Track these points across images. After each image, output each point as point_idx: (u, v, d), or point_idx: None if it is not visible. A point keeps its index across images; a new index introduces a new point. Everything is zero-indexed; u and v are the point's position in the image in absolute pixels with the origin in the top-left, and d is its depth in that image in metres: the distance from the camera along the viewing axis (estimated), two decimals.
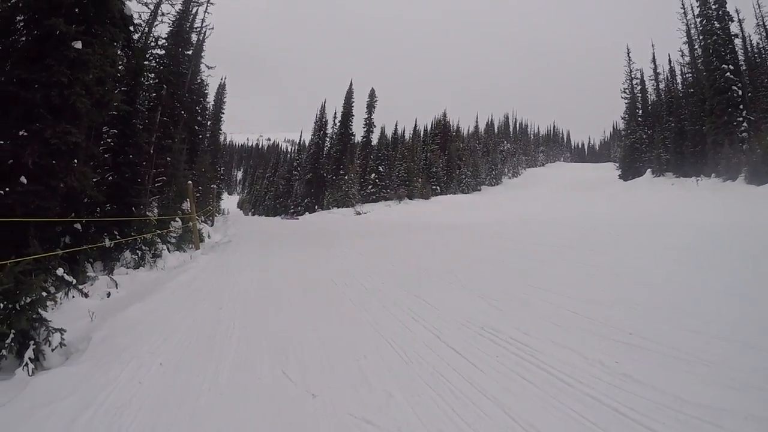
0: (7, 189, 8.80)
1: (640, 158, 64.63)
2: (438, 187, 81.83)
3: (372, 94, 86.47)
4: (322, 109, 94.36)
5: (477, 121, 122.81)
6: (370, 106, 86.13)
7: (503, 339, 6.25)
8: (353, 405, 4.71)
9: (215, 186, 45.50)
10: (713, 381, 4.65)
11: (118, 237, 13.12)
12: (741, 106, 45.04)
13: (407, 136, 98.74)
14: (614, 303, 7.62)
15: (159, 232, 15.86)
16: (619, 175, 69.05)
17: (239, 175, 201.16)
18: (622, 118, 75.65)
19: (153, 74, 22.78)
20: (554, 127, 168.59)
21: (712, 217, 21.09)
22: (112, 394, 4.91)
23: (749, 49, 52.12)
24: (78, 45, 9.72)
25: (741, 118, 44.34)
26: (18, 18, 9.95)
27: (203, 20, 32.27)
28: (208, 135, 46.01)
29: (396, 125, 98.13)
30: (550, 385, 4.83)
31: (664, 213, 25.99)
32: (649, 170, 59.07)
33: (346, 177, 76.93)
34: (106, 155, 14.78)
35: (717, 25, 49.38)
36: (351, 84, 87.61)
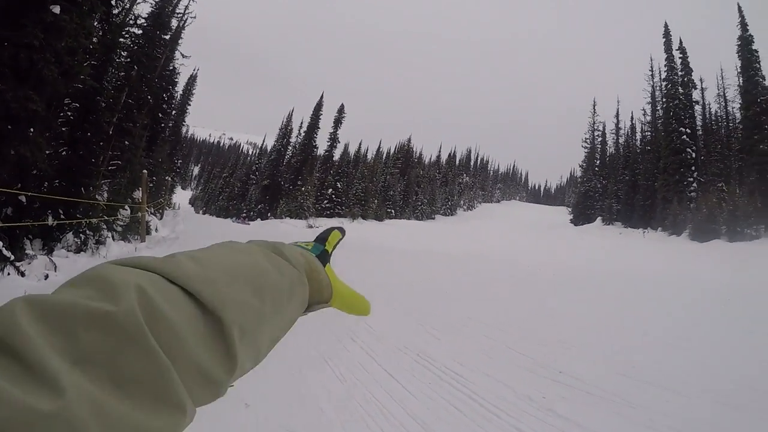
0: None
1: (592, 206, 67.08)
2: (393, 211, 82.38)
3: (341, 110, 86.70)
4: (289, 116, 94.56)
5: (440, 151, 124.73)
6: (338, 121, 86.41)
7: (438, 367, 6.44)
8: (285, 417, 4.74)
9: (170, 178, 44.62)
10: (634, 422, 5.02)
11: (62, 217, 12.51)
12: (693, 168, 48.66)
13: (370, 156, 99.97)
14: (549, 342, 8.00)
15: (106, 218, 15.30)
16: (570, 220, 70.96)
17: (196, 170, 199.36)
18: (580, 166, 79.08)
19: (126, 53, 22.19)
20: (514, 166, 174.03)
21: (656, 267, 22.82)
22: None
23: (708, 116, 55.54)
24: (56, 10, 9.24)
25: (692, 179, 47.79)
26: None
27: (186, 7, 31.95)
28: (170, 124, 45.10)
29: (360, 144, 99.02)
30: (478, 414, 5.01)
31: (610, 260, 27.23)
32: (599, 218, 61.73)
33: (303, 188, 76.73)
34: (63, 128, 14.14)
35: (681, 90, 53.07)
36: (322, 96, 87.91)
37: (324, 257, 0.92)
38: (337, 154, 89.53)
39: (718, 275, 19.76)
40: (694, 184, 47.65)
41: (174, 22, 30.52)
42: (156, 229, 23.48)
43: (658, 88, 60.22)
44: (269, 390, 5.07)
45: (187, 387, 0.47)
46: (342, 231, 1.05)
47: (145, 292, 0.46)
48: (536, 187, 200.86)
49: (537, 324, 9.48)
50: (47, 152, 12.04)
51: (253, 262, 0.66)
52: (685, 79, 53.91)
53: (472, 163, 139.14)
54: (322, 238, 0.97)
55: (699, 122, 53.95)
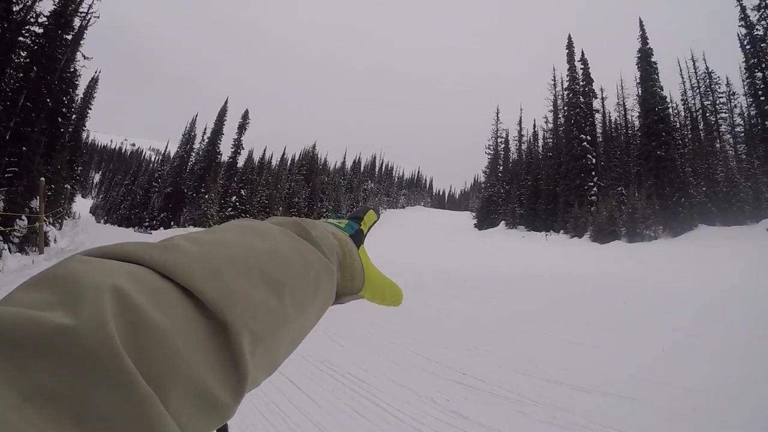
0: None
1: (496, 210, 68.75)
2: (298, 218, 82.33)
3: (245, 116, 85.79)
4: (193, 122, 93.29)
5: (345, 157, 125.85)
6: (242, 127, 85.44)
7: (342, 374, 6.46)
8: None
9: (69, 186, 42.79)
10: (538, 419, 5.09)
11: None
12: (593, 173, 51.12)
13: (274, 162, 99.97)
14: (453, 345, 8.16)
15: (2, 228, 14.32)
16: (474, 224, 72.44)
17: (97, 177, 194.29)
18: (484, 172, 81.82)
19: (25, 53, 20.98)
20: (419, 172, 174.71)
21: (559, 268, 24.09)
22: None
23: (607, 123, 59.66)
24: None
25: (592, 183, 50.28)
26: None
27: (90, 6, 31.17)
28: (70, 129, 43.07)
29: (264, 150, 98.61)
30: (382, 419, 5.00)
31: (513, 263, 28.38)
32: (503, 222, 63.22)
33: (207, 196, 75.53)
34: None
35: (582, 99, 55.95)
36: (226, 102, 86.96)
37: (358, 238, 0.78)
38: (241, 161, 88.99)
39: (619, 273, 21.16)
40: (595, 189, 50.04)
41: (77, 22, 29.22)
42: (55, 240, 22.42)
43: (560, 96, 62.85)
44: None
45: (182, 417, 0.36)
46: (378, 212, 0.91)
47: (124, 295, 0.35)
48: (441, 193, 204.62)
49: (442, 328, 9.65)
50: None
51: (272, 247, 0.52)
52: (587, 88, 56.71)
53: (377, 169, 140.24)
54: (357, 217, 0.84)
55: (599, 129, 57.22)
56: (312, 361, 6.87)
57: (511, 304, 12.77)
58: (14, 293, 0.34)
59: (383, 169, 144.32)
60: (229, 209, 77.06)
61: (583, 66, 57.73)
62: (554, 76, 64.72)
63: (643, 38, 49.69)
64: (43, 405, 0.28)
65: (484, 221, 69.43)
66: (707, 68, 53.98)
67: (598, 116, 57.41)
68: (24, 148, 20.43)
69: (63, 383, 0.29)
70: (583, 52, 57.91)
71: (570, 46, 59.11)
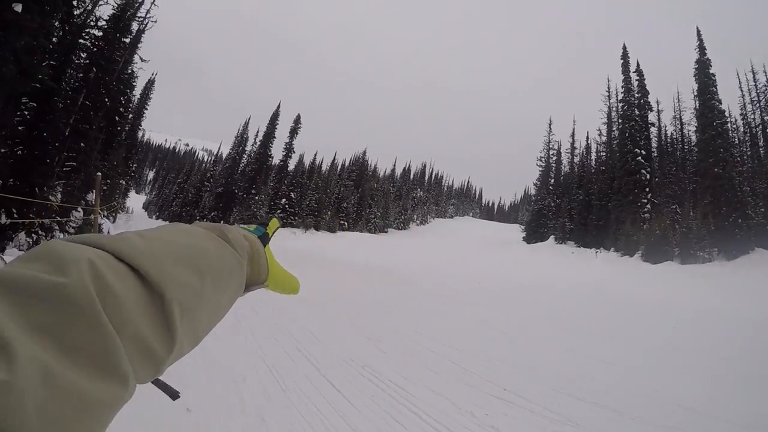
0: None
1: (545, 224, 65.72)
2: (346, 223, 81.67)
3: (297, 120, 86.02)
4: (246, 125, 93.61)
5: (395, 165, 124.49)
6: (294, 132, 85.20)
7: (382, 380, 6.40)
8: (227, 424, 4.72)
9: (124, 182, 44.13)
10: None
11: (15, 216, 12.46)
12: (647, 189, 47.68)
13: (324, 167, 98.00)
14: (496, 359, 7.96)
15: (59, 219, 15.21)
16: (523, 238, 69.60)
17: (150, 175, 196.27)
18: (534, 185, 77.46)
19: (85, 54, 21.98)
20: (468, 182, 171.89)
21: (613, 288, 22.54)
22: None
23: (663, 138, 55.03)
24: (18, 8, 9.26)
25: (645, 200, 46.91)
26: None
27: (148, 11, 31.87)
28: (127, 128, 44.39)
29: (315, 155, 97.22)
30: (419, 429, 4.97)
31: (560, 279, 26.70)
32: (552, 237, 60.27)
33: (257, 197, 75.81)
34: (19, 128, 14.08)
35: (637, 112, 52.58)
36: (279, 106, 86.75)
37: (265, 239, 1.01)
38: (292, 164, 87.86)
39: (670, 297, 19.72)
40: (648, 206, 47.16)
41: (135, 26, 30.38)
42: (108, 232, 23.19)
43: (614, 109, 59.75)
44: (212, 397, 5.16)
45: (130, 360, 0.51)
46: (279, 221, 1.17)
47: (96, 266, 0.50)
48: (490, 204, 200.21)
49: (484, 340, 9.46)
50: (2, 150, 12.00)
51: (197, 243, 0.73)
52: (642, 101, 53.88)
53: (426, 177, 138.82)
54: (264, 224, 1.07)
55: (654, 144, 53.84)
56: (354, 366, 6.92)
57: (555, 322, 12.44)
58: (14, 264, 0.49)
59: (432, 178, 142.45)
60: (279, 211, 76.79)
61: (638, 77, 54.90)
62: (608, 87, 61.44)
63: (701, 48, 46.29)
64: (40, 337, 0.42)
65: (533, 235, 66.88)
66: None
67: (653, 130, 54.00)
68: (82, 144, 21.45)
69: (55, 321, 0.44)
70: (638, 63, 55.13)
71: (625, 56, 56.30)
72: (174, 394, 0.81)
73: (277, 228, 1.10)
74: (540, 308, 14.66)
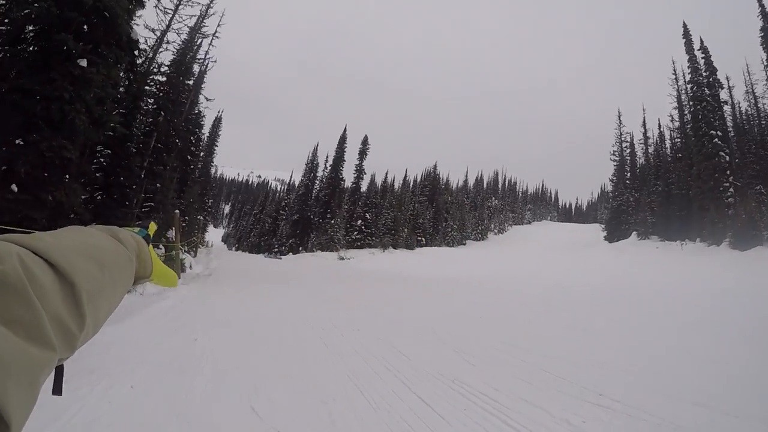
0: None
1: (626, 220, 63.34)
2: (423, 239, 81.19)
3: (365, 142, 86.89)
4: (315, 151, 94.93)
5: (467, 176, 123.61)
6: (362, 153, 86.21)
7: (473, 393, 6.22)
8: None
9: (201, 217, 45.34)
10: None
11: None
12: (728, 172, 44.70)
13: (396, 185, 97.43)
14: (587, 364, 7.70)
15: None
16: (604, 237, 67.56)
17: (226, 208, 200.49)
18: (610, 180, 74.70)
19: (152, 100, 22.99)
20: (542, 186, 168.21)
21: (695, 284, 21.21)
22: (81, 410, 4.88)
23: (738, 115, 52.22)
24: (83, 63, 9.81)
25: (727, 184, 43.92)
26: (28, 28, 10.04)
27: (207, 52, 32.88)
28: (199, 166, 45.66)
29: (386, 174, 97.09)
30: None
31: (646, 277, 25.97)
32: (634, 233, 57.78)
33: (332, 221, 76.40)
34: (97, 174, 14.80)
35: (707, 91, 49.55)
36: (345, 130, 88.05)
37: (148, 240, 1.16)
38: (364, 186, 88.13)
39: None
40: (731, 189, 43.65)
41: (196, 68, 31.49)
42: (190, 266, 23.94)
43: (683, 91, 56.50)
44: (302, 419, 5.20)
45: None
46: (156, 224, 1.35)
47: (23, 259, 0.62)
48: (567, 206, 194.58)
49: (575, 346, 9.27)
50: (83, 197, 12.60)
51: (97, 242, 0.86)
52: (710, 79, 50.29)
53: (499, 185, 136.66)
54: (145, 226, 1.22)
55: (730, 123, 50.39)
56: (443, 380, 6.79)
57: (646, 322, 11.97)
58: None
59: (506, 185, 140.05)
60: (355, 233, 76.98)
61: (704, 55, 51.33)
62: (674, 70, 58.05)
63: (764, 14, 43.81)
64: None
65: (615, 233, 64.34)
66: None
67: (726, 108, 50.30)
68: (158, 184, 22.23)
69: None
70: (702, 40, 51.77)
71: (686, 34, 53.06)
72: (58, 390, 0.96)
73: (155, 230, 1.26)
74: (629, 309, 14.29)
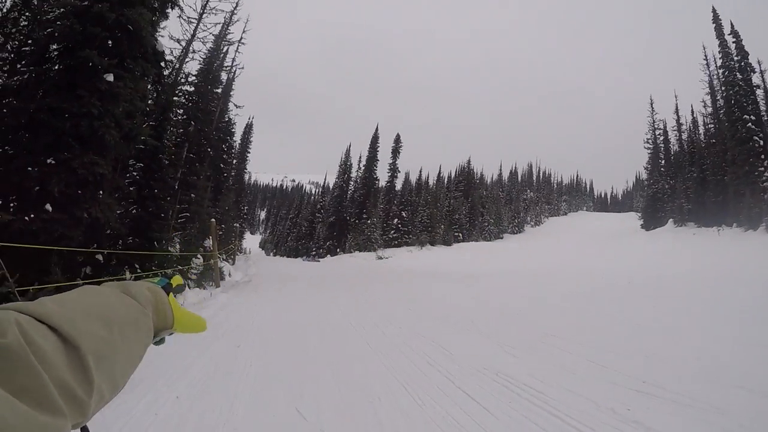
0: (33, 215, 8.85)
1: (662, 208, 63.40)
2: (460, 234, 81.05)
3: (397, 140, 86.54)
4: (347, 152, 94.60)
5: (501, 169, 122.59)
6: (395, 152, 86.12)
7: (517, 385, 6.22)
8: None
9: (238, 225, 45.74)
10: (725, 429, 4.65)
11: (138, 270, 13.12)
12: (762, 156, 44.62)
13: (431, 182, 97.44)
14: (631, 353, 7.67)
15: (180, 267, 15.88)
16: (641, 225, 67.52)
17: (262, 214, 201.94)
18: (645, 168, 74.80)
19: (181, 110, 23.22)
20: (577, 176, 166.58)
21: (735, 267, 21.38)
22: (128, 424, 4.88)
23: None
24: (110, 78, 9.83)
25: (762, 168, 43.86)
26: (52, 47, 10.10)
27: (233, 59, 33.01)
28: (233, 173, 46.03)
29: (420, 171, 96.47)
30: (561, 431, 4.79)
31: (684, 265, 25.94)
32: (671, 220, 57.89)
33: (368, 221, 76.49)
34: (131, 188, 14.87)
35: (739, 76, 49.28)
36: (377, 129, 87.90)
37: (167, 289, 1.12)
38: (399, 184, 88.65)
39: None
40: (766, 174, 43.54)
41: (223, 76, 31.63)
42: (229, 274, 24.10)
43: (714, 76, 55.96)
44: (348, 419, 5.20)
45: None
46: (183, 278, 1.33)
47: (23, 327, 0.60)
48: (602, 195, 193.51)
49: (617, 335, 9.22)
50: (118, 212, 12.68)
51: (103, 301, 0.83)
52: (742, 63, 50.03)
53: (534, 177, 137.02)
54: (168, 276, 1.20)
55: (763, 107, 48.86)
56: (487, 374, 6.79)
57: (684, 307, 11.96)
58: None
59: (541, 177, 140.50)
60: (392, 231, 77.06)
61: (734, 39, 50.84)
62: (705, 55, 57.34)
63: None
64: None
65: (651, 221, 64.35)
66: None
67: (759, 92, 49.22)
68: (192, 195, 22.38)
69: (2, 371, 0.54)
70: (732, 24, 51.12)
71: (716, 19, 52.45)
72: None
73: (180, 284, 1.20)
74: (671, 298, 14.00)
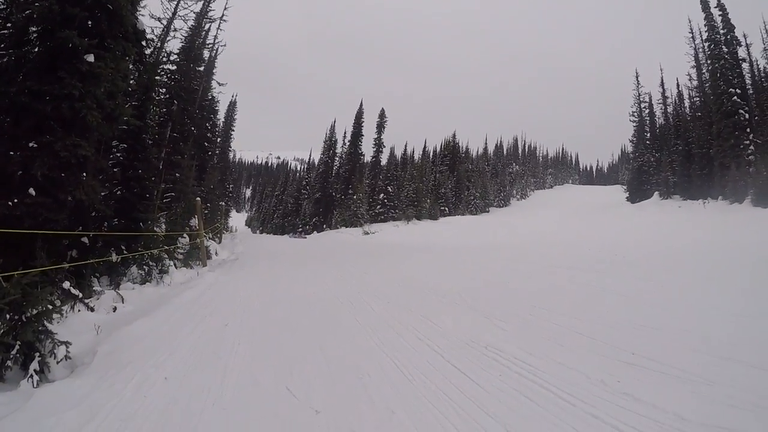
0: (16, 200, 8.82)
1: (647, 181, 63.23)
2: (446, 208, 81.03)
3: (382, 115, 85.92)
4: (332, 128, 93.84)
5: (486, 143, 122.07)
6: (380, 126, 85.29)
7: (506, 359, 6.27)
8: (355, 421, 4.70)
9: (223, 203, 45.58)
10: (713, 400, 4.71)
11: (125, 252, 13.13)
12: (748, 130, 44.73)
13: (416, 156, 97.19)
14: (618, 324, 7.69)
15: (166, 248, 15.89)
16: (626, 198, 67.41)
17: (248, 192, 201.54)
18: (631, 141, 74.30)
19: (164, 89, 22.97)
20: (563, 149, 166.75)
21: (721, 239, 21.69)
22: (117, 406, 4.93)
23: (756, 73, 51.37)
24: (90, 58, 9.77)
25: (748, 141, 43.90)
26: (31, 29, 10.00)
27: (215, 37, 32.60)
28: (217, 152, 45.93)
29: (405, 146, 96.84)
30: (552, 403, 4.84)
31: (668, 236, 26.39)
32: (656, 193, 57.91)
33: (354, 197, 75.64)
34: (115, 169, 14.80)
35: (725, 49, 49.28)
36: (361, 104, 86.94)
37: None
38: (384, 159, 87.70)
39: None
40: (751, 147, 43.47)
41: (206, 53, 31.22)
42: (216, 253, 24.16)
43: (700, 50, 55.93)
44: (338, 396, 5.25)
45: None
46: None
47: None
48: (588, 168, 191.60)
49: (604, 307, 9.25)
50: (102, 194, 12.64)
51: None
52: (728, 37, 49.99)
53: (519, 151, 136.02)
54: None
55: (748, 80, 49.74)
56: (476, 347, 6.84)
57: (673, 279, 11.89)
58: None
59: (526, 150, 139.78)
60: (378, 206, 76.64)
61: (720, 12, 50.72)
62: (691, 29, 57.26)
63: None
64: None
65: (636, 193, 64.21)
66: None
67: (745, 66, 49.79)
68: (177, 174, 22.33)
69: None
70: None
71: None
72: None
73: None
74: (659, 270, 13.80)
